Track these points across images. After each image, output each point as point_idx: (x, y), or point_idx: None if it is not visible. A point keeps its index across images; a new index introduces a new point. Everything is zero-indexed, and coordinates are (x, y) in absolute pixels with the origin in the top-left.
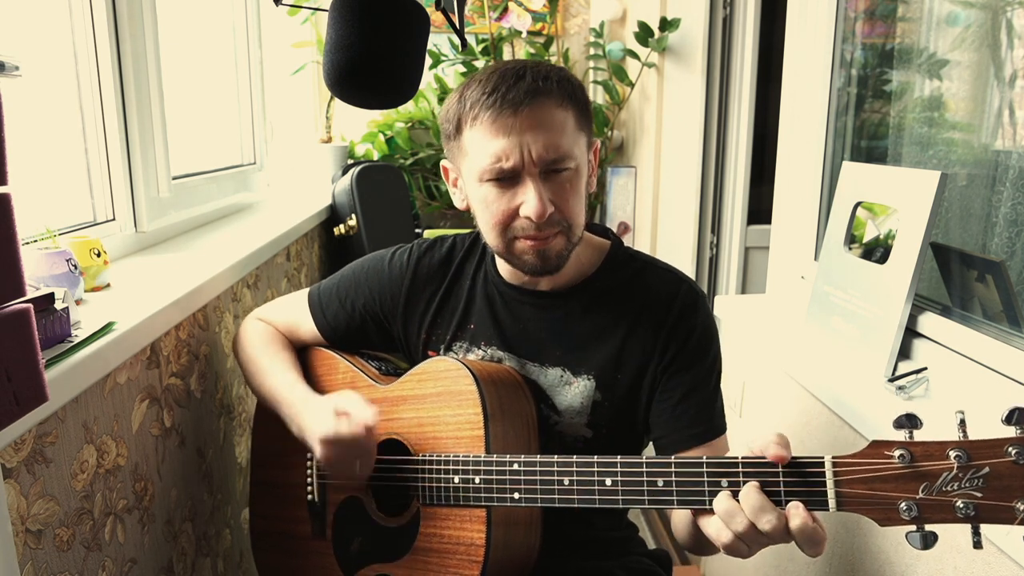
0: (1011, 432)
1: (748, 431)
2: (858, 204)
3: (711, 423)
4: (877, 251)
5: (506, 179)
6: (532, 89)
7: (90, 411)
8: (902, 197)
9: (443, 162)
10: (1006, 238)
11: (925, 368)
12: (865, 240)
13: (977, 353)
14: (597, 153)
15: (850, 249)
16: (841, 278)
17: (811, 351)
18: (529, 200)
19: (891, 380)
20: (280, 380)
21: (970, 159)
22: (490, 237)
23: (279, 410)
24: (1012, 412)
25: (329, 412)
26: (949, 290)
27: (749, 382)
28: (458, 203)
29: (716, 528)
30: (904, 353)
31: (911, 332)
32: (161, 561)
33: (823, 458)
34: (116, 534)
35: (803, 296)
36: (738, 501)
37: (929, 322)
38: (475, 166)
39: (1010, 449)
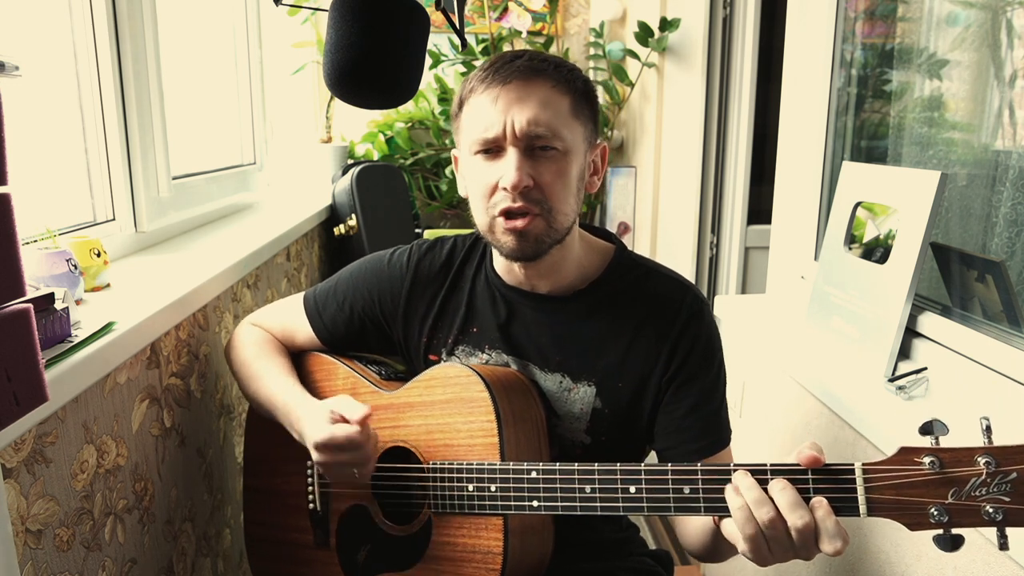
0: None
1: (748, 431)
2: (858, 204)
3: (719, 435)
4: (877, 251)
5: (492, 151)
6: (525, 67)
7: (90, 411)
8: (902, 197)
9: (453, 151)
10: (1006, 238)
11: (925, 368)
12: (865, 240)
13: (977, 353)
14: (605, 156)
15: (850, 249)
16: (841, 278)
17: (811, 351)
18: (508, 171)
19: (891, 380)
20: (274, 386)
21: (970, 159)
22: (477, 215)
23: (275, 416)
24: None
25: (324, 417)
26: (949, 290)
27: (749, 382)
28: (460, 190)
29: (742, 518)
30: (904, 353)
31: (911, 332)
32: (161, 561)
33: (853, 465)
34: (116, 534)
35: (803, 296)
36: (767, 493)
37: (929, 322)
38: (468, 139)
39: None
